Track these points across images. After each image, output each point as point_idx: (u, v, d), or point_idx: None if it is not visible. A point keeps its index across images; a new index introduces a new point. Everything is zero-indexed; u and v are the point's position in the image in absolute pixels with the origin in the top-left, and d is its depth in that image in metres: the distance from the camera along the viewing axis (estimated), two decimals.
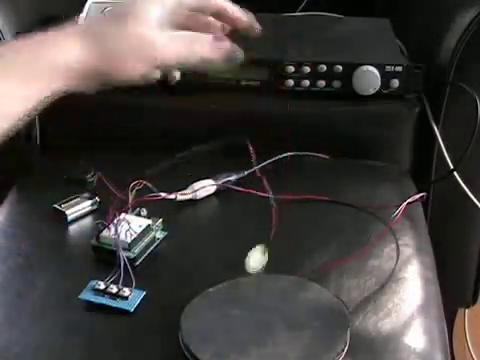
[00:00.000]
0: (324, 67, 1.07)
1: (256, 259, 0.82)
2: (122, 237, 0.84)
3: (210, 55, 0.69)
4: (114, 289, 0.79)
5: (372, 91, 1.06)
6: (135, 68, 0.67)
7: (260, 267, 0.82)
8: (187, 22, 0.71)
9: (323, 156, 1.06)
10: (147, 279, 0.81)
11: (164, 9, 0.67)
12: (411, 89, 1.08)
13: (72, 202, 0.93)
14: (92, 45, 0.65)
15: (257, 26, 0.74)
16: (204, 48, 0.69)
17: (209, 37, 0.69)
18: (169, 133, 1.08)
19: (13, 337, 0.76)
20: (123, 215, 0.86)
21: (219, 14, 0.73)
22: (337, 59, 1.08)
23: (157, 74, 0.68)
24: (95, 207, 0.93)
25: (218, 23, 0.74)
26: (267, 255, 0.83)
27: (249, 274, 0.81)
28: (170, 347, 0.73)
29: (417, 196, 0.98)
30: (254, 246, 0.83)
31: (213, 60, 0.69)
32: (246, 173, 0.98)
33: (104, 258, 0.84)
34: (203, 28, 0.72)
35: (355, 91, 1.07)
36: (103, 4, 1.13)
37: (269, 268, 0.82)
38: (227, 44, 0.70)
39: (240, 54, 0.71)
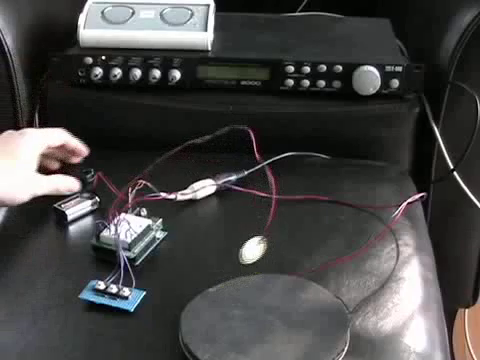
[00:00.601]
0: (324, 67, 1.07)
1: (251, 251, 0.82)
2: (122, 237, 0.84)
3: (62, 192, 0.94)
4: (114, 289, 0.79)
5: (372, 91, 1.06)
6: (21, 198, 0.89)
7: (255, 259, 0.82)
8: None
9: (323, 156, 1.06)
10: (147, 279, 0.81)
11: (37, 152, 0.92)
12: (411, 89, 1.08)
13: (72, 202, 0.93)
14: None
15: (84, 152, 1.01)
16: (64, 188, 0.94)
17: (68, 183, 0.95)
18: (169, 133, 1.08)
19: (13, 337, 0.76)
20: (123, 215, 0.86)
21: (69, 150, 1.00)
22: (337, 59, 1.08)
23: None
24: (95, 207, 0.93)
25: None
26: (263, 247, 0.83)
27: (243, 265, 0.81)
28: (170, 347, 0.73)
29: (417, 196, 0.98)
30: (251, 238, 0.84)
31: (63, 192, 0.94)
32: (246, 173, 0.98)
33: (104, 258, 0.84)
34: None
35: (355, 91, 1.07)
36: (103, 4, 1.13)
37: (269, 268, 0.82)
38: (76, 185, 0.95)
39: (75, 188, 0.95)
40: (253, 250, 0.82)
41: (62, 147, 0.98)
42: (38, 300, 0.80)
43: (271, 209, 0.88)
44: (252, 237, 0.84)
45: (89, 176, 0.96)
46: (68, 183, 0.95)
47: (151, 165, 0.94)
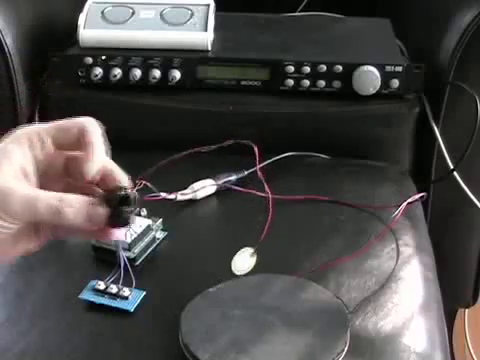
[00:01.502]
0: (324, 67, 1.07)
1: (243, 261, 0.82)
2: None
3: (77, 223, 0.59)
4: (114, 289, 0.79)
5: (372, 91, 1.06)
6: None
7: (247, 269, 0.82)
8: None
9: (323, 156, 1.06)
10: (147, 279, 0.81)
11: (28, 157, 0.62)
12: (411, 89, 1.08)
13: None
14: None
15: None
16: (74, 215, 0.59)
17: (82, 206, 0.59)
18: (169, 133, 1.08)
19: (13, 337, 0.76)
20: None
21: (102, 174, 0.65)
22: (337, 59, 1.08)
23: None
24: None
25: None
26: (255, 258, 0.83)
27: (236, 276, 0.82)
28: (170, 347, 0.73)
29: (417, 196, 0.98)
30: (244, 248, 0.85)
31: (77, 225, 0.59)
32: (246, 173, 0.98)
33: (104, 258, 0.84)
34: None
35: (355, 91, 1.07)
36: (103, 4, 1.13)
37: (269, 268, 0.82)
38: (98, 211, 0.60)
39: (102, 217, 0.60)
40: (245, 261, 0.82)
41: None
42: (38, 300, 0.80)
43: (268, 212, 0.88)
44: (244, 248, 0.85)
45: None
46: (82, 207, 0.59)
47: (154, 167, 0.93)
